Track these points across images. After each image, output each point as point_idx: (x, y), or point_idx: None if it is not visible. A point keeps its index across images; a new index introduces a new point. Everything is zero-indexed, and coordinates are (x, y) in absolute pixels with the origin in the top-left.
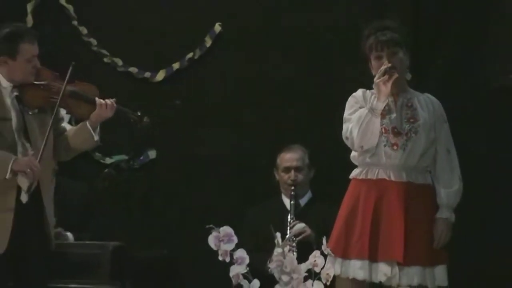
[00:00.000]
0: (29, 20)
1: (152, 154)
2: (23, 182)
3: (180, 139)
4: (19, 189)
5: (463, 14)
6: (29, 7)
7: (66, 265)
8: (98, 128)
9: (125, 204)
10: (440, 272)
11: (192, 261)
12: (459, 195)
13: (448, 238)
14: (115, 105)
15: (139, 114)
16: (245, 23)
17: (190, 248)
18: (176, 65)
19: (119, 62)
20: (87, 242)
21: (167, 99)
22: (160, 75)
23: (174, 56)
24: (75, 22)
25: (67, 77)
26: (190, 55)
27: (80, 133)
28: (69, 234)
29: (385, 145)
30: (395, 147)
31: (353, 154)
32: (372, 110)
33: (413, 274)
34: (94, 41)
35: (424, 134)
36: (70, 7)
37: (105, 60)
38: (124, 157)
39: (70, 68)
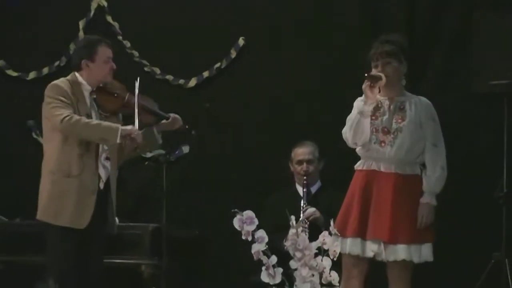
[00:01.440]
0: (81, 35)
1: (185, 149)
2: (102, 172)
3: (209, 136)
4: (99, 178)
5: (450, 30)
6: (81, 24)
7: (114, 243)
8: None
9: (162, 192)
10: (426, 249)
11: (219, 240)
12: (440, 183)
13: (430, 220)
14: (180, 121)
15: (187, 127)
16: (265, 38)
17: (218, 229)
18: (205, 73)
19: (157, 71)
20: (130, 224)
21: (198, 102)
22: (192, 82)
23: (204, 66)
24: (120, 37)
25: (137, 91)
26: (218, 64)
27: (147, 137)
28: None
29: (374, 143)
30: (382, 144)
31: (356, 148)
32: (360, 112)
33: (398, 250)
34: (136, 53)
35: (408, 132)
36: (116, 24)
37: (146, 69)
38: (162, 151)
39: (137, 82)
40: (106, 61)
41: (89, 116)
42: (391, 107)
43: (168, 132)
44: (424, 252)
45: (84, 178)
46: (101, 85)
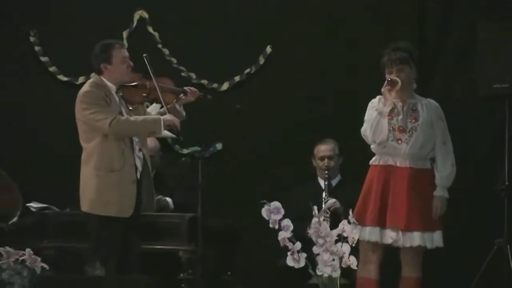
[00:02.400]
0: (125, 44)
1: (219, 146)
2: (138, 163)
3: (240, 134)
4: (136, 169)
5: (456, 39)
6: (125, 34)
7: (154, 230)
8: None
9: (198, 184)
10: (438, 236)
11: (249, 228)
12: (451, 178)
13: (443, 211)
14: (197, 92)
15: (203, 95)
16: (290, 46)
17: (248, 218)
18: (237, 78)
19: (193, 75)
20: (169, 214)
21: (230, 104)
22: (225, 86)
23: (235, 71)
24: (160, 45)
25: (151, 71)
26: (248, 70)
27: (173, 114)
28: (168, 199)
29: (392, 140)
30: (399, 142)
31: (372, 145)
32: (380, 113)
33: (414, 237)
34: (174, 60)
35: (422, 131)
36: (156, 34)
37: (183, 74)
38: (197, 148)
39: (146, 61)
40: (123, 61)
41: (121, 113)
42: (404, 108)
43: (196, 128)
44: (436, 239)
45: (125, 171)
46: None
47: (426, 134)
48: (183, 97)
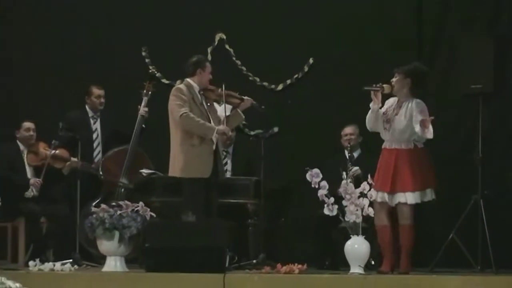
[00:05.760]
0: (209, 58)
1: (276, 129)
2: (214, 139)
3: (291, 121)
4: (212, 142)
5: (445, 51)
6: (209, 49)
7: (228, 189)
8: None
9: (260, 157)
10: (429, 192)
11: (297, 188)
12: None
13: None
14: (252, 101)
15: (262, 107)
16: (328, 58)
17: (297, 180)
18: (288, 81)
19: (257, 79)
20: (241, 177)
21: (284, 100)
22: (280, 86)
23: (287, 76)
24: (234, 58)
25: (223, 84)
26: (296, 75)
27: (236, 114)
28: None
29: (384, 129)
30: (385, 130)
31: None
32: (371, 110)
33: (414, 195)
34: (244, 68)
35: (399, 120)
36: (231, 49)
37: (250, 78)
38: (260, 131)
39: (223, 85)
40: (209, 72)
41: (202, 106)
42: (394, 105)
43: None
44: (428, 194)
45: (204, 145)
46: None
47: (403, 124)
48: (242, 103)
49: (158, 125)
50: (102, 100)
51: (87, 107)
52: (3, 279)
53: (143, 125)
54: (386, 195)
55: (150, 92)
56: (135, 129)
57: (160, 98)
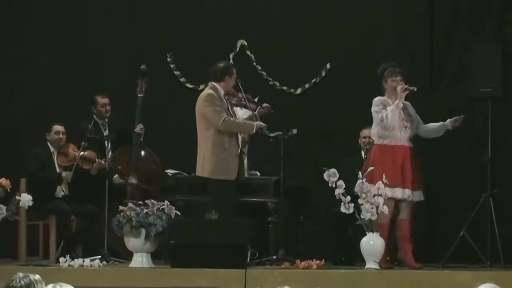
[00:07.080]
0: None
1: (294, 131)
2: (239, 143)
3: (309, 123)
4: (238, 146)
5: (456, 57)
6: (231, 55)
7: (249, 188)
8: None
9: (280, 157)
10: (420, 193)
11: (315, 187)
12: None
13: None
14: (269, 106)
15: (272, 111)
16: (344, 64)
17: (315, 180)
18: (306, 85)
19: (277, 83)
20: (261, 176)
21: (302, 103)
22: (299, 90)
23: (306, 80)
24: (254, 63)
25: (241, 89)
26: (314, 80)
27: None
28: (257, 172)
29: (405, 127)
30: (405, 128)
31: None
32: (396, 107)
33: (418, 193)
34: (264, 73)
35: (411, 120)
36: (252, 55)
37: (270, 83)
38: (279, 132)
39: (239, 83)
40: (235, 79)
41: (228, 110)
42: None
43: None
44: (419, 195)
45: (232, 149)
46: None
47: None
48: (260, 109)
49: (182, 125)
50: (108, 108)
51: (94, 116)
52: (21, 274)
53: (141, 139)
54: (397, 190)
55: (144, 89)
56: (134, 140)
57: (182, 100)
